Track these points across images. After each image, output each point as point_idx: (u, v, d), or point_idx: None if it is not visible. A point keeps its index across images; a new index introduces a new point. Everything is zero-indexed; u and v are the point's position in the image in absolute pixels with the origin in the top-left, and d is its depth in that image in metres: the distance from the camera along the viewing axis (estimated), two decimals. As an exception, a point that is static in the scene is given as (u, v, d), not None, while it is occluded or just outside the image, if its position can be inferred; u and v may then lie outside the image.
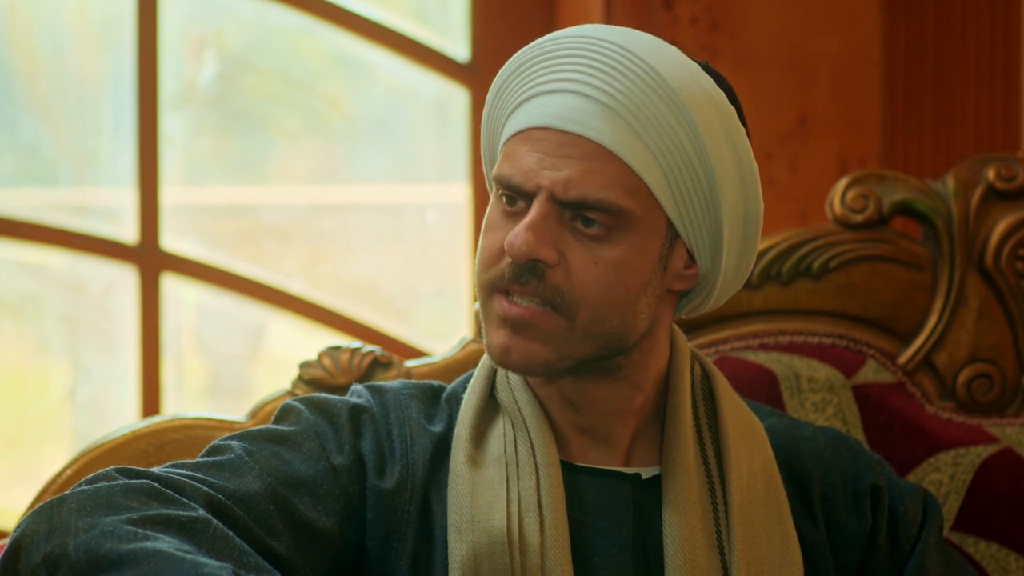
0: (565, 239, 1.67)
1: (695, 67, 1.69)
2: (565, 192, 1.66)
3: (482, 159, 1.81)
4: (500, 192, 1.70)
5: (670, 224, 1.69)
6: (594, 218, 1.66)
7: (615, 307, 1.68)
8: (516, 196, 1.69)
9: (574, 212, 1.67)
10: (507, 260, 1.68)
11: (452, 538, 1.70)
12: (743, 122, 1.72)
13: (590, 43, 1.68)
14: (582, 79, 1.67)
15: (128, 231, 3.40)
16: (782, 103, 3.32)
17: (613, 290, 1.68)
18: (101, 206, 3.44)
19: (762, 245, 2.13)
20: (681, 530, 1.72)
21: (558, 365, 1.70)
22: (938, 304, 2.15)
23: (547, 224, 1.66)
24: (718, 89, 1.69)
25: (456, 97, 3.52)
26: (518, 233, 1.66)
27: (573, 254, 1.67)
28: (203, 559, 1.51)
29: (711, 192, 1.69)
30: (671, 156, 1.67)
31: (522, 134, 1.69)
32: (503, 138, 1.73)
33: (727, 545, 1.74)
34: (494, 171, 1.71)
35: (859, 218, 2.14)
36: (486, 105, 1.76)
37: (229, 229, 3.51)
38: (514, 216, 1.69)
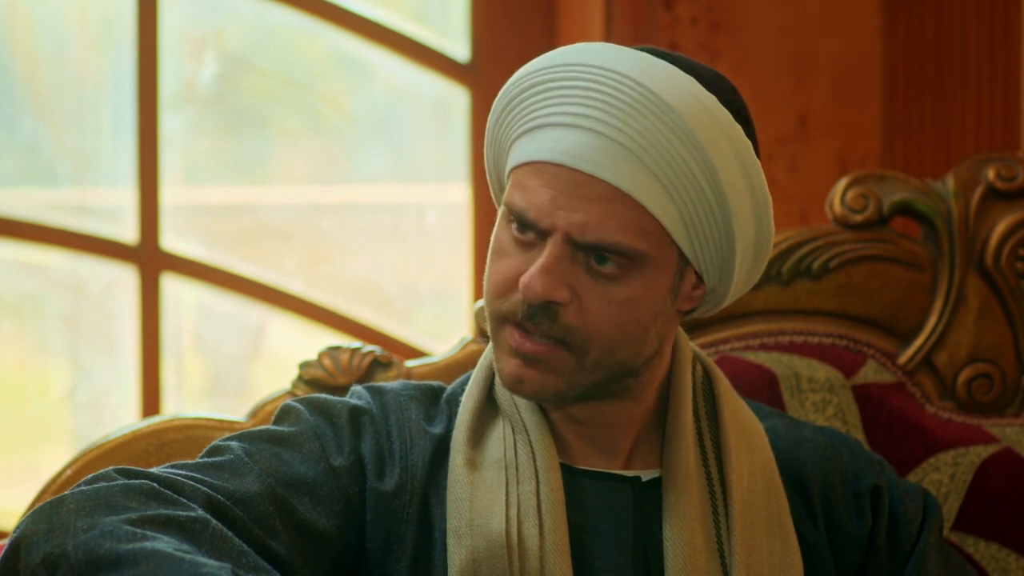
0: (578, 277, 1.67)
1: (710, 99, 1.66)
2: (581, 235, 1.65)
3: (486, 169, 1.80)
4: (511, 219, 1.69)
5: (682, 255, 1.69)
6: (608, 257, 1.66)
7: (626, 341, 1.68)
8: (529, 229, 1.68)
9: (588, 251, 1.66)
10: (519, 296, 1.67)
11: (451, 542, 1.70)
12: (756, 146, 1.71)
13: (601, 74, 1.65)
14: (595, 115, 1.65)
15: (128, 231, 3.40)
16: (782, 103, 3.32)
17: (625, 327, 1.68)
18: (101, 206, 3.44)
19: (762, 245, 2.13)
20: (681, 533, 1.71)
21: (569, 394, 1.70)
22: (938, 304, 2.15)
23: (561, 265, 1.66)
24: (734, 122, 1.67)
25: (456, 97, 3.52)
26: (533, 275, 1.65)
27: (586, 292, 1.67)
28: (202, 559, 1.51)
29: (725, 226, 1.68)
30: (687, 194, 1.66)
31: (534, 166, 1.68)
32: (512, 162, 1.71)
33: (727, 549, 1.73)
34: (505, 197, 1.70)
35: (859, 218, 2.14)
36: (491, 120, 1.74)
37: (229, 229, 3.51)
38: (525, 245, 1.68)
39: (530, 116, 1.69)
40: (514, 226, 1.69)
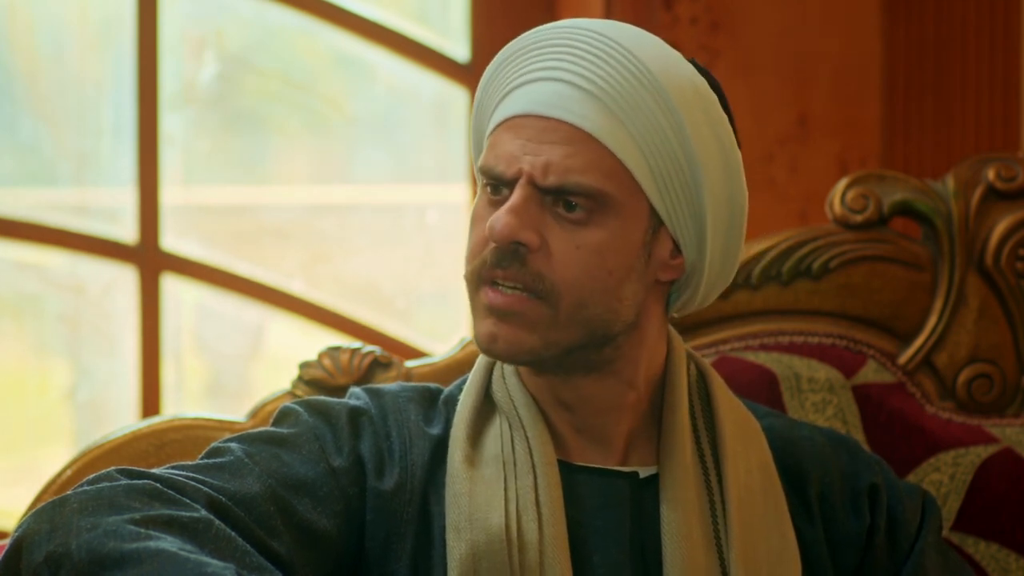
0: (547, 223, 1.68)
1: (676, 55, 1.70)
2: (544, 177, 1.67)
3: (472, 156, 1.82)
4: (485, 183, 1.71)
5: (653, 211, 1.70)
6: (576, 202, 1.67)
7: (598, 292, 1.69)
8: (500, 184, 1.70)
9: (555, 196, 1.67)
10: (490, 246, 1.68)
11: (451, 537, 1.70)
12: (727, 110, 1.73)
13: (574, 32, 1.70)
14: (565, 67, 1.68)
15: (128, 231, 3.40)
16: (782, 103, 3.32)
17: (594, 274, 1.68)
18: (101, 206, 3.44)
19: (762, 245, 2.13)
20: (679, 528, 1.72)
21: (544, 353, 1.70)
22: (938, 304, 2.15)
23: (528, 208, 1.67)
24: (699, 76, 1.70)
25: (456, 97, 3.52)
26: (499, 216, 1.67)
27: (554, 238, 1.68)
28: (206, 559, 1.51)
29: (693, 177, 1.69)
30: (652, 141, 1.68)
31: (506, 123, 1.71)
32: (488, 129, 1.74)
33: (725, 544, 1.74)
34: (479, 162, 1.73)
35: (859, 218, 2.14)
36: (475, 102, 1.78)
37: (229, 229, 3.51)
38: (498, 205, 1.70)
39: (504, 84, 1.73)
40: (488, 189, 1.71)
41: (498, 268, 1.68)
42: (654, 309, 1.76)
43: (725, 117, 1.71)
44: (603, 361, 1.74)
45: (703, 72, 1.73)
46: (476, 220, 1.72)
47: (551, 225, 1.68)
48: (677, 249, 1.73)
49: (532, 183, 1.67)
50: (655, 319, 1.77)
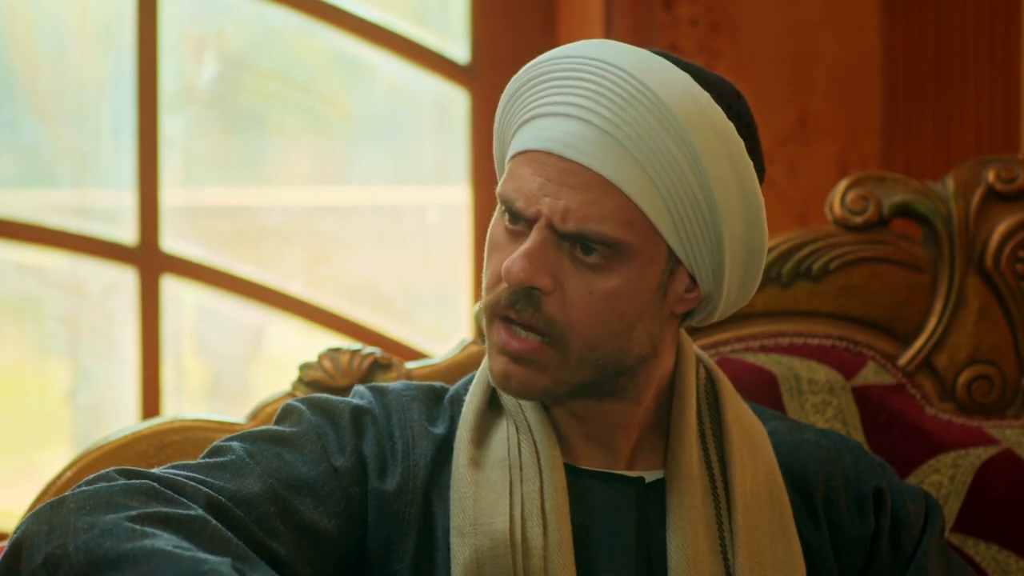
0: (563, 266, 1.67)
1: (704, 97, 1.67)
2: (563, 223, 1.65)
3: (496, 169, 1.81)
4: (504, 210, 1.70)
5: (671, 252, 1.69)
6: (593, 247, 1.66)
7: (608, 336, 1.68)
8: (518, 218, 1.69)
9: (573, 241, 1.67)
10: (504, 286, 1.68)
11: (454, 541, 1.70)
12: (757, 150, 1.71)
13: (598, 66, 1.67)
14: (587, 104, 1.66)
15: (128, 232, 3.40)
16: (782, 104, 3.32)
17: (606, 320, 1.67)
18: (101, 207, 3.44)
19: (762, 247, 2.13)
20: (685, 535, 1.72)
21: (556, 391, 1.71)
22: (938, 306, 2.15)
23: (545, 251, 1.66)
24: (726, 120, 1.67)
25: (456, 99, 3.52)
26: (515, 259, 1.66)
27: (569, 281, 1.67)
28: (202, 555, 1.51)
29: (713, 222, 1.68)
30: (673, 187, 1.66)
31: (527, 155, 1.69)
32: (510, 153, 1.72)
33: (731, 550, 1.74)
34: (499, 188, 1.71)
35: (859, 220, 2.14)
36: (496, 116, 1.76)
37: (229, 230, 3.51)
38: (516, 235, 1.69)
39: (528, 108, 1.70)
40: (506, 217, 1.70)
41: (511, 310, 1.68)
42: (669, 334, 1.76)
43: (749, 161, 1.69)
44: (618, 388, 1.74)
45: (737, 106, 1.70)
46: (493, 248, 1.71)
47: (567, 267, 1.67)
48: (693, 282, 1.72)
49: (550, 226, 1.66)
50: (669, 342, 1.77)
